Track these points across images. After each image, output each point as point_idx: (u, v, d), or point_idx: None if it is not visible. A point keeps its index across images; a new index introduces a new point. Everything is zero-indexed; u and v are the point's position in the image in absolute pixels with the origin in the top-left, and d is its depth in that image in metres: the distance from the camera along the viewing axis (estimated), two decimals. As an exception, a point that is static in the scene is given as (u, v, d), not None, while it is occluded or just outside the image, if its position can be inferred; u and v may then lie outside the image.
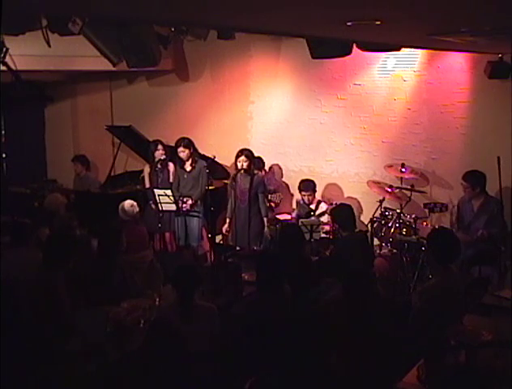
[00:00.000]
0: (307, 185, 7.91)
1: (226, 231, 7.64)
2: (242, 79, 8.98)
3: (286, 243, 5.86)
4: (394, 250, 7.10)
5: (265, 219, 7.47)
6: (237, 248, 7.43)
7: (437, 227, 6.74)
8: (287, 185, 8.72)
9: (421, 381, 3.85)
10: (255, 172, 7.57)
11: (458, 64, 7.55)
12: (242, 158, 7.38)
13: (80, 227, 6.83)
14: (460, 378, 3.36)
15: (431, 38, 4.86)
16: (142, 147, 8.47)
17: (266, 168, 8.52)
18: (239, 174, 7.47)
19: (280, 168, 8.76)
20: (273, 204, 8.02)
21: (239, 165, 7.38)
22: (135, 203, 6.83)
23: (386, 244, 7.26)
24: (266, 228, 7.44)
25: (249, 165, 7.38)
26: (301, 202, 8.03)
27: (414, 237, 7.03)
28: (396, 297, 6.28)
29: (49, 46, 5.17)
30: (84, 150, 9.74)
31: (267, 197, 7.82)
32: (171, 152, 7.82)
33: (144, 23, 5.44)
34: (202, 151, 7.98)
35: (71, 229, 6.64)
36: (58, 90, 10.20)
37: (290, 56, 8.51)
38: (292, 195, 8.57)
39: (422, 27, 4.41)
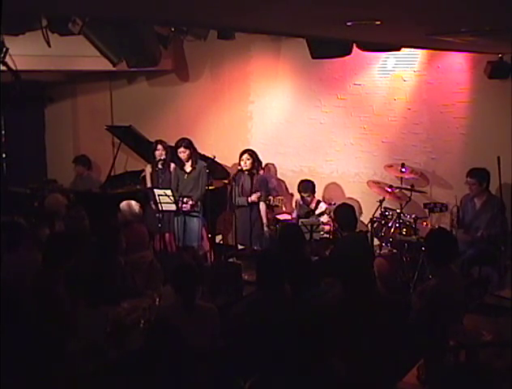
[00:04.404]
0: (306, 186, 7.91)
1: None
2: (242, 79, 8.98)
3: (286, 243, 5.86)
4: (394, 250, 7.10)
5: (263, 210, 7.49)
6: (239, 247, 7.44)
7: (435, 227, 6.74)
8: (285, 184, 8.73)
9: (421, 381, 3.85)
10: (258, 171, 7.59)
11: (458, 64, 7.55)
12: (245, 156, 7.40)
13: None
14: (460, 378, 3.35)
15: (431, 38, 4.86)
16: (143, 147, 8.46)
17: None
18: (241, 174, 7.48)
19: (275, 167, 8.77)
20: (272, 203, 8.02)
21: (242, 164, 7.40)
22: (136, 203, 6.84)
23: (386, 244, 7.25)
24: (265, 228, 7.48)
25: (252, 165, 7.39)
26: (301, 202, 8.04)
27: (414, 237, 7.03)
28: (396, 297, 6.27)
29: (49, 46, 5.18)
30: (84, 150, 9.75)
31: (270, 200, 7.82)
32: (172, 152, 7.82)
33: (144, 23, 5.44)
34: (202, 151, 7.98)
35: (81, 220, 6.67)
36: (58, 90, 10.20)
37: (290, 56, 8.51)
38: (292, 195, 8.57)
39: (422, 27, 4.41)
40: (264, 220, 7.60)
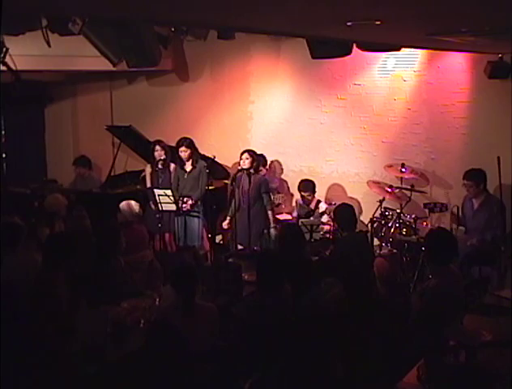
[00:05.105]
0: (306, 186, 7.92)
1: (225, 225, 7.65)
2: (242, 79, 8.98)
3: (286, 243, 5.86)
4: (394, 250, 7.10)
5: (269, 212, 7.47)
6: (239, 247, 7.43)
7: (433, 227, 6.74)
8: (286, 184, 8.73)
9: (421, 381, 3.85)
10: (258, 170, 7.58)
11: (458, 64, 7.56)
12: (245, 156, 7.39)
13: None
14: (460, 378, 3.36)
15: (431, 38, 4.86)
16: (142, 147, 8.46)
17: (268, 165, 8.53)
18: (241, 174, 7.47)
19: (280, 164, 8.77)
20: (274, 205, 8.02)
21: (241, 163, 7.40)
22: (136, 203, 6.84)
23: (386, 244, 7.26)
24: (271, 229, 7.46)
25: (250, 164, 7.38)
26: (301, 202, 8.04)
27: (414, 237, 7.04)
28: (396, 297, 6.27)
29: (49, 46, 5.18)
30: (84, 150, 9.75)
31: (270, 198, 7.81)
32: (171, 152, 7.82)
33: (144, 23, 5.43)
34: (202, 151, 7.97)
35: (83, 220, 6.68)
36: (58, 90, 10.20)
37: (290, 56, 8.51)
38: (292, 195, 8.58)
39: (422, 27, 4.42)
40: (271, 222, 7.56)
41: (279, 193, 8.09)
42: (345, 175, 8.44)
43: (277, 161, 8.74)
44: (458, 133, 7.67)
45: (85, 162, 9.09)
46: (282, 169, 8.79)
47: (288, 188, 8.70)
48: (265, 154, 8.37)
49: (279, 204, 8.08)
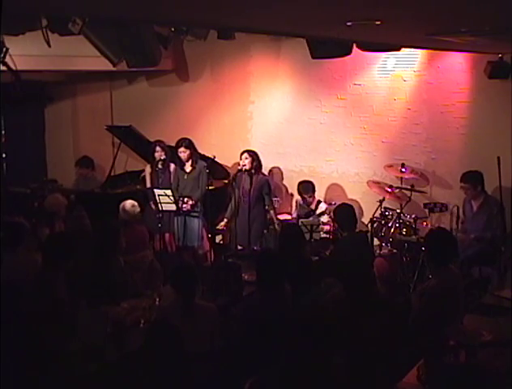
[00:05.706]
0: (306, 187, 7.92)
1: (222, 227, 7.67)
2: (242, 79, 8.98)
3: (286, 243, 5.86)
4: (394, 250, 7.10)
5: (272, 212, 7.54)
6: (239, 247, 7.44)
7: (433, 227, 6.74)
8: (286, 187, 8.73)
9: (421, 381, 3.85)
10: (258, 171, 7.59)
11: (458, 64, 7.56)
12: (244, 156, 7.40)
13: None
14: (460, 378, 3.36)
15: (431, 38, 4.86)
16: (143, 147, 8.46)
17: (265, 169, 8.51)
18: (242, 174, 7.47)
19: (280, 170, 8.76)
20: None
21: (241, 163, 7.40)
22: (136, 203, 6.84)
23: (386, 244, 7.25)
24: (276, 226, 7.49)
25: (251, 164, 7.39)
26: (301, 202, 8.04)
27: (414, 237, 7.04)
28: (396, 297, 6.27)
29: (49, 46, 5.18)
30: (84, 150, 9.74)
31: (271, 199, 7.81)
32: (171, 153, 7.82)
33: (144, 23, 5.44)
34: (202, 152, 7.98)
35: (83, 220, 6.69)
36: (58, 90, 10.20)
37: (290, 56, 8.51)
38: (292, 195, 8.58)
39: (422, 27, 4.42)
40: (275, 220, 7.60)
41: (275, 197, 8.08)
42: (345, 175, 8.44)
43: (277, 167, 8.73)
44: (458, 133, 7.67)
45: (88, 163, 9.09)
46: (282, 176, 8.77)
47: (287, 189, 8.70)
48: (264, 155, 8.33)
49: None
